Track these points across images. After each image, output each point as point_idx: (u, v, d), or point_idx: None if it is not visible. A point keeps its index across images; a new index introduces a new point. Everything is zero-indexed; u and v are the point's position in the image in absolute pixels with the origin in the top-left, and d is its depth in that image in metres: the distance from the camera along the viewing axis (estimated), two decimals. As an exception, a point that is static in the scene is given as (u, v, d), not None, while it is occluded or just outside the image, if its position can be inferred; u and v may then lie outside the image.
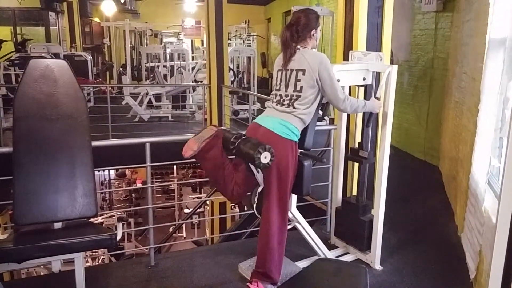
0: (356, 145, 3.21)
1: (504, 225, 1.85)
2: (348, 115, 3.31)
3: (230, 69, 8.90)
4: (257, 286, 2.66)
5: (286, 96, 2.61)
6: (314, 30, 2.66)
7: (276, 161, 2.53)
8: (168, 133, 7.47)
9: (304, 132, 2.65)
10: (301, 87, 2.55)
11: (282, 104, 2.61)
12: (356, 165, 3.34)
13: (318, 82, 2.54)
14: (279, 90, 2.66)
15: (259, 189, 2.70)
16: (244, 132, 2.75)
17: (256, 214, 2.78)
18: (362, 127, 3.17)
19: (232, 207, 8.60)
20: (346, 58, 3.30)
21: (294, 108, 2.56)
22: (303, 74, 2.54)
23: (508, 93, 2.88)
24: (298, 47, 2.61)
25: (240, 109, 8.82)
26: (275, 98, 2.68)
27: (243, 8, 15.34)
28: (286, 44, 2.63)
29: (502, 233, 1.87)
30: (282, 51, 2.68)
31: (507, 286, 1.85)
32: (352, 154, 3.22)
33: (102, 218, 9.95)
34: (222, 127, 2.64)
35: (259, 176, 2.65)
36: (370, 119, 2.92)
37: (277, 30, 14.82)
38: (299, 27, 2.62)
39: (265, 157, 2.35)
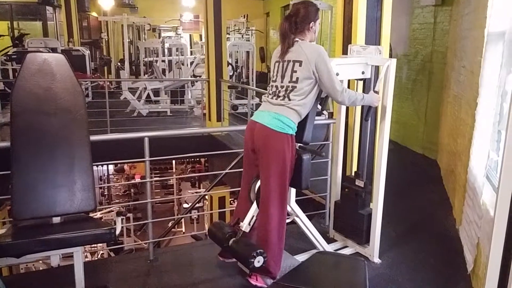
0: (353, 173, 3.24)
1: (502, 217, 1.85)
2: (347, 109, 3.31)
3: (228, 63, 8.88)
4: (256, 280, 2.66)
5: (282, 87, 2.60)
6: (312, 22, 2.65)
7: (273, 155, 2.53)
8: (167, 128, 7.46)
9: (303, 126, 2.65)
10: (297, 78, 2.54)
11: (278, 96, 2.60)
12: (355, 158, 3.34)
13: (315, 74, 2.53)
14: (275, 81, 2.66)
15: (258, 183, 2.70)
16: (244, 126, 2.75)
17: (255, 206, 2.77)
18: (361, 122, 3.17)
19: (231, 201, 8.61)
20: (345, 52, 3.30)
21: (289, 99, 2.55)
22: (300, 65, 2.53)
23: (506, 87, 2.88)
24: (296, 39, 2.60)
25: (239, 104, 8.80)
26: (271, 90, 2.67)
27: (241, 2, 15.26)
28: (284, 35, 2.62)
29: (500, 226, 1.87)
30: (280, 42, 2.67)
31: (505, 278, 1.86)
32: (348, 183, 3.23)
33: (101, 213, 9.97)
34: (215, 223, 2.81)
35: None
36: (369, 113, 2.92)
37: (276, 25, 14.72)
38: (298, 19, 2.61)
39: (258, 261, 2.44)
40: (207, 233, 2.82)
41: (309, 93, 2.57)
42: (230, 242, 2.58)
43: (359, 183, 3.11)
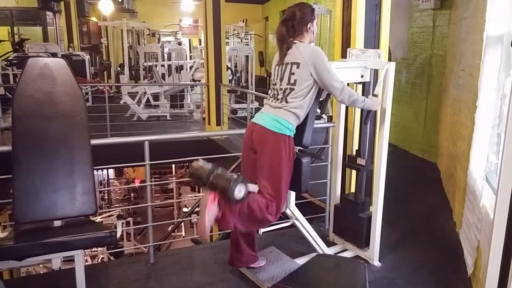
0: (354, 152, 3.23)
1: (502, 220, 1.86)
2: (347, 113, 3.32)
3: (228, 68, 8.91)
4: (214, 200, 2.37)
5: (280, 89, 2.61)
6: (310, 23, 2.65)
7: (269, 155, 2.54)
8: (167, 132, 7.47)
9: (302, 129, 2.65)
10: (295, 80, 2.55)
11: (277, 99, 2.62)
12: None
13: (313, 75, 2.53)
14: (275, 84, 2.67)
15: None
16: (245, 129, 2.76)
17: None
18: (360, 125, 3.18)
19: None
20: (344, 55, 3.31)
21: (286, 102, 2.56)
22: (298, 67, 2.54)
23: (505, 90, 2.90)
24: (295, 41, 2.61)
25: (238, 108, 8.83)
26: (271, 93, 2.69)
27: (240, 7, 15.33)
28: (282, 40, 2.63)
29: (499, 228, 1.88)
30: (278, 47, 2.68)
31: (504, 281, 1.87)
32: (349, 162, 3.24)
33: (101, 218, 9.96)
34: (196, 163, 2.48)
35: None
36: (368, 116, 2.93)
37: (275, 29, 14.75)
38: (295, 22, 2.61)
39: (239, 191, 2.28)
40: (188, 173, 2.54)
41: (306, 95, 2.57)
42: (211, 177, 2.35)
43: (361, 161, 3.09)
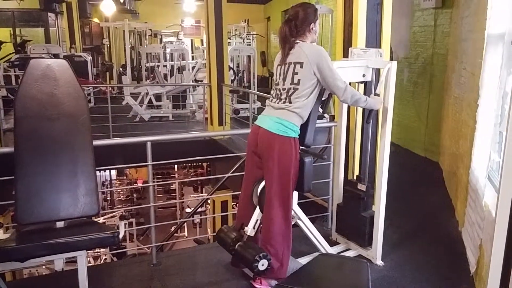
0: (355, 177, 3.24)
1: (503, 218, 1.86)
2: (349, 112, 3.32)
3: (230, 68, 8.91)
4: (261, 283, 2.66)
5: (284, 89, 2.61)
6: (313, 23, 2.65)
7: (277, 159, 2.54)
8: (169, 133, 7.48)
9: (304, 129, 2.65)
10: (299, 80, 2.55)
11: (280, 99, 2.61)
12: (357, 161, 3.35)
13: (317, 74, 2.53)
14: (277, 84, 2.67)
15: (261, 186, 2.71)
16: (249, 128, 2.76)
17: (259, 210, 2.77)
18: (362, 124, 3.18)
19: (234, 205, 8.62)
20: (346, 55, 3.31)
21: (290, 102, 2.56)
22: (301, 66, 2.54)
23: (507, 88, 2.89)
24: (297, 41, 2.61)
25: (241, 108, 8.83)
26: (274, 93, 2.69)
27: (242, 7, 15.33)
28: (284, 39, 2.63)
29: (501, 227, 1.88)
30: (280, 47, 2.68)
31: (507, 279, 1.87)
32: (349, 187, 3.24)
33: (104, 219, 9.98)
34: (221, 228, 2.83)
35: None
36: (370, 115, 2.93)
37: (277, 29, 14.72)
38: (298, 22, 2.61)
39: (262, 265, 2.47)
40: (216, 238, 2.84)
41: (310, 94, 2.57)
42: (236, 246, 2.60)
43: (361, 186, 3.12)
